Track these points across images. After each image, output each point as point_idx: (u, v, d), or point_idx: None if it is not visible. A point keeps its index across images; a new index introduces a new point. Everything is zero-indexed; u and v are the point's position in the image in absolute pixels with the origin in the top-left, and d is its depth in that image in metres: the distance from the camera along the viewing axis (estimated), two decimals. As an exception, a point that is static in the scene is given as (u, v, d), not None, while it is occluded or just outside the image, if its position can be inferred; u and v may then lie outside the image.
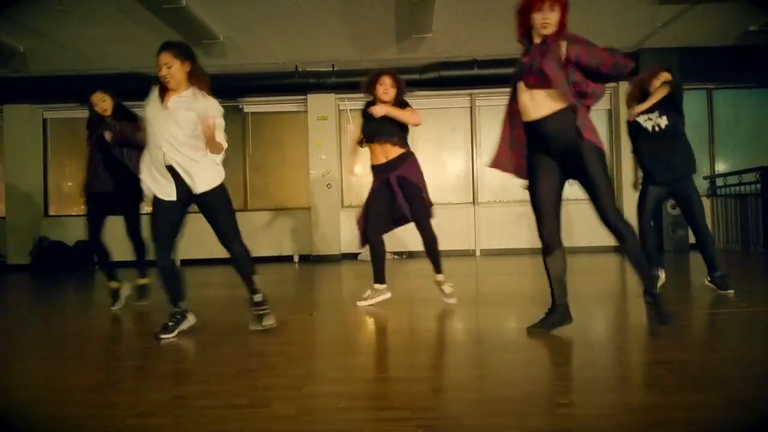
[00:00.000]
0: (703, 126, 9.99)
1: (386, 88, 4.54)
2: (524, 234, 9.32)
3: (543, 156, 3.15)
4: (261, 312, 3.65)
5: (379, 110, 4.36)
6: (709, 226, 9.38)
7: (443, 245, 4.59)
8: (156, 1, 6.41)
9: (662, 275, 4.85)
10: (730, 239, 9.21)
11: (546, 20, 3.06)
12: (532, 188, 3.22)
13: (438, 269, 4.52)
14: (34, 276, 8.71)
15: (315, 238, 9.71)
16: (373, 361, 3.05)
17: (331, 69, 9.27)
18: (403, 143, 4.50)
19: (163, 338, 3.48)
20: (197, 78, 3.53)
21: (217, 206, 3.56)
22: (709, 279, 4.66)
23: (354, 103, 9.84)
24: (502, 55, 8.79)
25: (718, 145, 10.03)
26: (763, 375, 2.48)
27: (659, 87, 4.53)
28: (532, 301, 4.24)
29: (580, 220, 9.45)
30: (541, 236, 3.23)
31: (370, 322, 4.07)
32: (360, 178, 9.98)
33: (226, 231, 3.61)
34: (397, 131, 4.47)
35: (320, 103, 9.74)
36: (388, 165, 4.47)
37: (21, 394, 2.56)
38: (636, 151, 4.79)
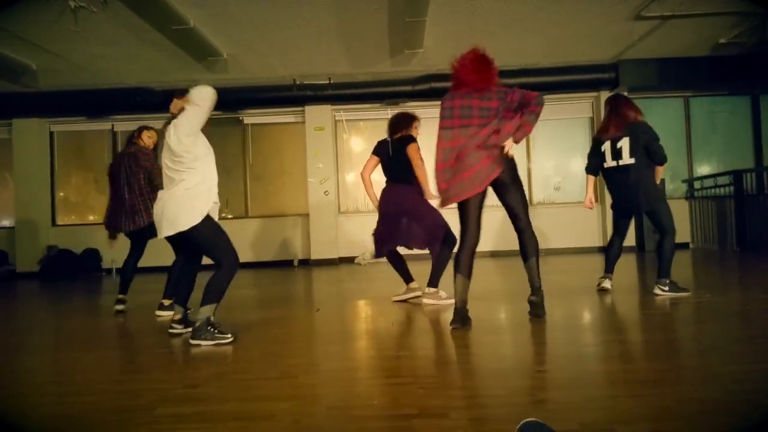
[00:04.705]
0: (680, 132, 10.58)
1: (419, 131, 5.11)
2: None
3: None
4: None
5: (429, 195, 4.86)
6: (688, 226, 10.04)
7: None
8: (165, 23, 6.86)
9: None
10: (708, 239, 9.74)
11: None
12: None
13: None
14: (44, 282, 9.09)
15: (314, 242, 10.16)
16: (379, 344, 3.49)
17: (327, 82, 9.74)
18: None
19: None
20: None
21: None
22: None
23: (349, 113, 10.33)
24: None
25: (695, 150, 10.59)
26: (702, 349, 2.97)
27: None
28: (512, 296, 4.70)
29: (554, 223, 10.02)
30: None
31: (373, 315, 4.52)
32: (356, 185, 10.47)
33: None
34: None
35: (317, 114, 10.21)
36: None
37: (79, 377, 2.98)
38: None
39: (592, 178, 5.08)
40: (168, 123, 3.70)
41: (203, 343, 3.49)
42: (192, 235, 3.59)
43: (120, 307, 5.21)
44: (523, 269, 3.88)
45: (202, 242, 3.63)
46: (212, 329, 3.53)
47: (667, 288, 4.66)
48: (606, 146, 4.90)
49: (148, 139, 5.24)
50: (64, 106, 9.91)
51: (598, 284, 5.07)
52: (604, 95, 9.83)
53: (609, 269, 5.10)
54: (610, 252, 5.12)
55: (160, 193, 3.71)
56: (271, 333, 3.86)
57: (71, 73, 8.94)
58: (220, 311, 3.75)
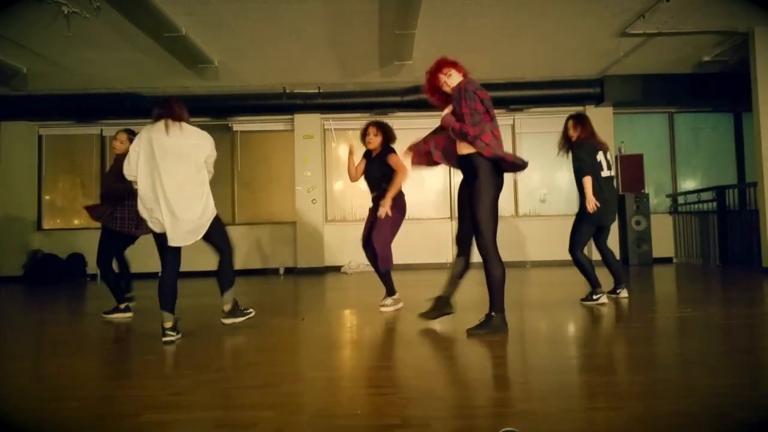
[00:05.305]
0: (665, 147, 10.73)
1: (370, 138, 5.12)
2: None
3: None
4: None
5: (381, 211, 4.88)
6: (671, 241, 10.18)
7: (421, 258, 5.13)
8: (158, 30, 6.86)
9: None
10: (692, 254, 9.87)
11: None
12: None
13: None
14: (28, 287, 9.01)
15: (300, 251, 10.16)
16: (364, 354, 3.53)
17: (317, 91, 9.79)
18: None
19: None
20: None
21: None
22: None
23: (338, 122, 10.38)
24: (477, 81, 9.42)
25: (680, 164, 10.74)
26: (682, 362, 3.03)
27: None
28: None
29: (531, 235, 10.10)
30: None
31: (358, 325, 4.55)
32: (344, 194, 10.50)
33: None
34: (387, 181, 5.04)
35: (306, 123, 10.25)
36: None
37: (63, 383, 2.98)
38: None
39: (591, 179, 5.09)
40: (159, 126, 3.80)
41: (237, 320, 4.17)
42: (209, 229, 4.01)
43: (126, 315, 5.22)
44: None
45: (215, 234, 4.10)
46: (241, 309, 4.20)
47: (626, 290, 5.30)
48: (600, 156, 5.14)
49: (120, 144, 5.11)
50: (53, 110, 9.87)
51: (600, 302, 5.03)
52: (590, 110, 9.98)
53: (598, 283, 5.13)
54: (587, 266, 5.17)
55: (170, 199, 3.81)
56: (255, 341, 3.87)
57: (61, 77, 8.91)
58: (206, 316, 3.76)
